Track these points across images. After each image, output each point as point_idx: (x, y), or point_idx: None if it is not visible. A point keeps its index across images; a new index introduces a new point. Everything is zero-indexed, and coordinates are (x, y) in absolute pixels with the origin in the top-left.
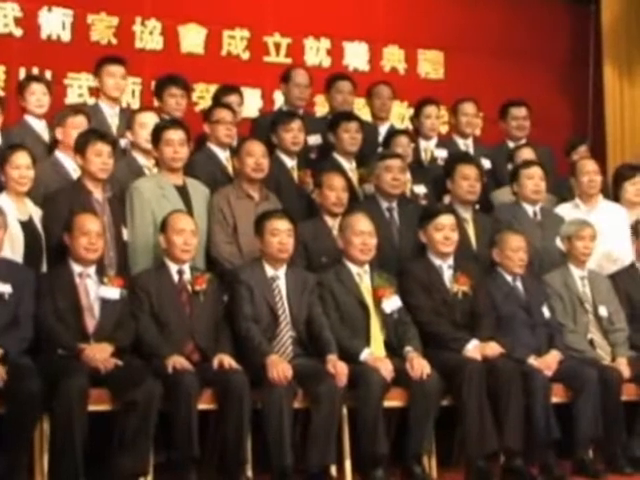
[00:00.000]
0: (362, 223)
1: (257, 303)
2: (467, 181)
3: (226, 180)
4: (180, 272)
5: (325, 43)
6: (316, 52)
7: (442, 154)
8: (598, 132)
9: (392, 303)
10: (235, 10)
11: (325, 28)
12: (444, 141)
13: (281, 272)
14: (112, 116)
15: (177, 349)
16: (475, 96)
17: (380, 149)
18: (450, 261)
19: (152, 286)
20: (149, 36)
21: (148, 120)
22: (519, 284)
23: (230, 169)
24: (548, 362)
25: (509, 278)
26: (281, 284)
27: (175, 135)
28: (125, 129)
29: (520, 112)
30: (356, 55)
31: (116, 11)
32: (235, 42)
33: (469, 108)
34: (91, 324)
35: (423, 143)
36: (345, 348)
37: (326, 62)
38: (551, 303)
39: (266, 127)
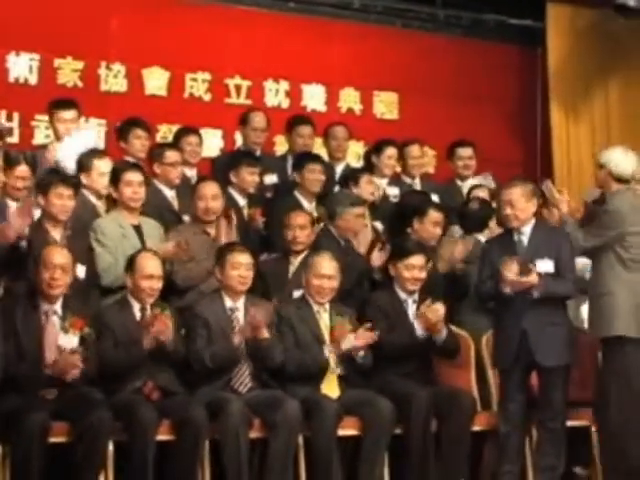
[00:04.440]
0: (324, 266)
1: (214, 336)
2: (437, 227)
3: (173, 217)
4: (143, 310)
5: (284, 85)
6: (275, 94)
7: (394, 192)
8: (546, 169)
9: (347, 342)
10: (197, 54)
11: (284, 71)
12: (394, 179)
13: (240, 304)
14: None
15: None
16: (428, 135)
17: (337, 187)
18: (415, 296)
19: (115, 323)
20: (114, 79)
21: (105, 169)
22: None
23: (176, 206)
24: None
25: None
26: (240, 316)
27: (134, 177)
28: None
29: (466, 152)
30: (314, 96)
31: (82, 55)
32: (197, 84)
33: (414, 151)
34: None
35: (376, 181)
36: (305, 361)
37: (285, 103)
38: None
39: (225, 166)
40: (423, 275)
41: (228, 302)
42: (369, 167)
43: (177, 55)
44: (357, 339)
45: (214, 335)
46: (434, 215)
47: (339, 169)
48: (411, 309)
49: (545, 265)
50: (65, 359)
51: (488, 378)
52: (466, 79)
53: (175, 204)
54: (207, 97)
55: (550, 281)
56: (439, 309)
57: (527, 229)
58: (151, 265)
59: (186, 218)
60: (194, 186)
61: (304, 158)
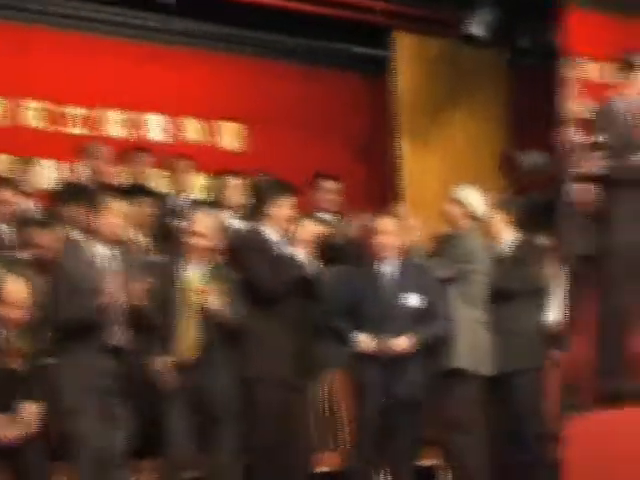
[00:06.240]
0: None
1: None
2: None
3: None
4: None
5: (125, 115)
6: (116, 124)
7: (240, 226)
8: (396, 202)
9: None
10: (33, 81)
11: (125, 100)
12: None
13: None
14: None
15: None
16: (275, 167)
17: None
18: None
19: None
20: None
21: None
22: None
23: (9, 240)
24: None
25: None
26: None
27: None
28: None
29: (331, 185)
30: (156, 127)
31: None
32: (33, 113)
33: None
34: None
35: (223, 215)
36: None
37: (126, 134)
38: None
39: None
40: None
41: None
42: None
43: (13, 82)
44: None
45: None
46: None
47: (181, 202)
48: None
49: (412, 299)
50: None
51: (337, 415)
52: (314, 109)
53: (7, 238)
54: (44, 126)
55: (420, 330)
56: None
57: (392, 262)
58: None
59: (22, 254)
60: (34, 224)
61: (134, 192)
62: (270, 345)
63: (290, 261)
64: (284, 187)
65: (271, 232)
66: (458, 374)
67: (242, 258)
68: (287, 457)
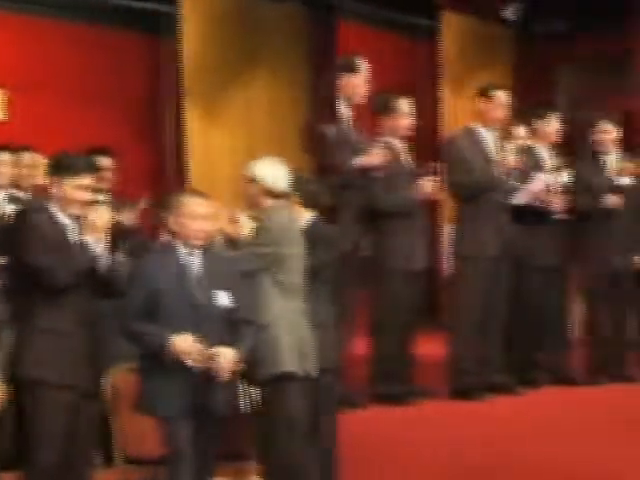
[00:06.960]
0: None
1: None
2: None
3: None
4: None
5: None
6: None
7: (10, 208)
8: (180, 181)
9: None
10: None
11: None
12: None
13: None
14: None
15: None
16: (42, 140)
17: None
18: None
19: None
20: None
21: None
22: None
23: None
24: None
25: None
26: None
27: None
28: None
29: (104, 162)
30: None
31: None
32: None
33: (27, 159)
34: None
35: None
36: None
37: None
38: None
39: None
40: None
41: None
42: None
43: None
44: None
45: None
46: None
47: None
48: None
49: (222, 298)
50: None
51: (120, 425)
52: (88, 73)
53: None
54: None
55: (244, 344)
56: None
57: (197, 253)
58: None
59: None
60: None
61: None
62: (51, 343)
63: (82, 249)
64: (79, 164)
65: (60, 215)
66: (285, 379)
67: (22, 242)
68: (62, 474)
